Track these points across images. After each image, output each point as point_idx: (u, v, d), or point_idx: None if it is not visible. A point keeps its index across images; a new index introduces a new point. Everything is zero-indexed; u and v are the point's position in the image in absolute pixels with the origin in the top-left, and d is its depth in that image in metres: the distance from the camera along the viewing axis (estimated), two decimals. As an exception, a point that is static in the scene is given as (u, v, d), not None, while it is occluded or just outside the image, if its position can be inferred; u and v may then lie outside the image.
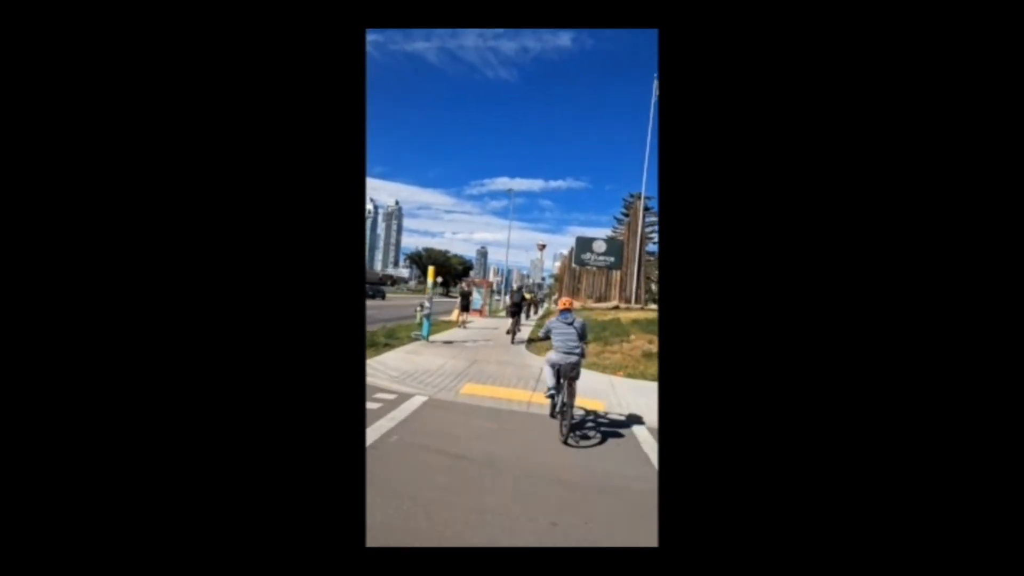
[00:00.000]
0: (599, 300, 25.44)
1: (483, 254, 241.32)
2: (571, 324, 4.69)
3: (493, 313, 25.31)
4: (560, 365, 4.61)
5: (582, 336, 4.70)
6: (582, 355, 4.66)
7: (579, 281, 27.24)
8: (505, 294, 39.92)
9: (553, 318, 4.93)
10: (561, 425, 4.48)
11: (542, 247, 34.15)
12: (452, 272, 76.65)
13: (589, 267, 26.41)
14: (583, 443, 4.46)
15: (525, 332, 14.28)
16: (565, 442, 4.33)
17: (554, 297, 33.45)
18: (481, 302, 22.35)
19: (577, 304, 23.18)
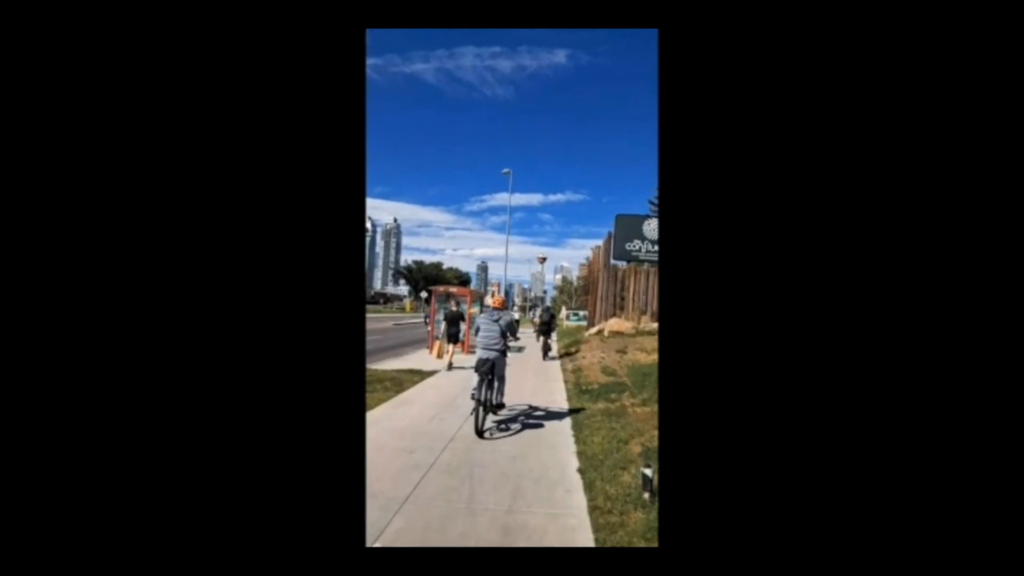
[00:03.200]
0: (655, 317, 14.88)
1: (483, 268, 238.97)
2: (496, 322, 5.11)
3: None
4: (482, 362, 4.95)
5: (504, 334, 5.09)
6: (503, 351, 5.07)
7: (623, 286, 16.83)
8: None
9: (483, 315, 5.37)
10: (478, 418, 4.70)
11: (542, 260, 34.22)
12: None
13: (638, 261, 16.69)
14: (496, 435, 4.69)
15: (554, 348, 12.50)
16: (479, 434, 4.57)
17: (565, 313, 29.59)
18: (463, 329, 11.63)
19: (627, 325, 14.93)
